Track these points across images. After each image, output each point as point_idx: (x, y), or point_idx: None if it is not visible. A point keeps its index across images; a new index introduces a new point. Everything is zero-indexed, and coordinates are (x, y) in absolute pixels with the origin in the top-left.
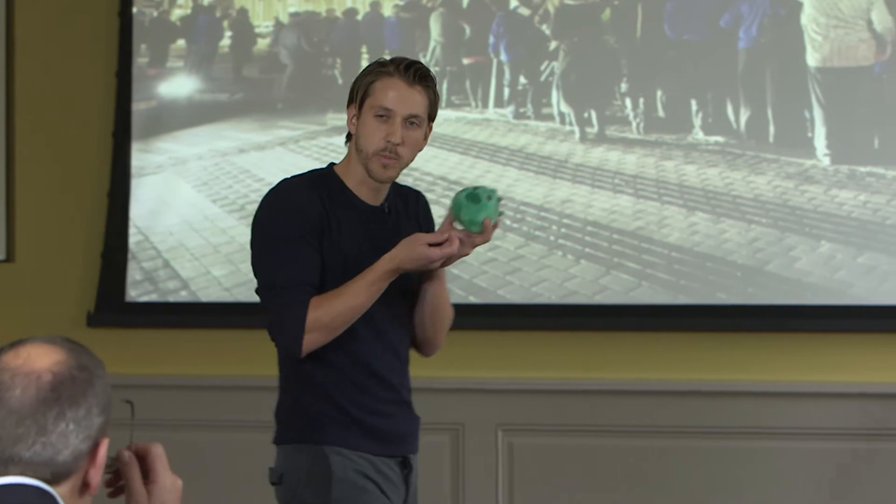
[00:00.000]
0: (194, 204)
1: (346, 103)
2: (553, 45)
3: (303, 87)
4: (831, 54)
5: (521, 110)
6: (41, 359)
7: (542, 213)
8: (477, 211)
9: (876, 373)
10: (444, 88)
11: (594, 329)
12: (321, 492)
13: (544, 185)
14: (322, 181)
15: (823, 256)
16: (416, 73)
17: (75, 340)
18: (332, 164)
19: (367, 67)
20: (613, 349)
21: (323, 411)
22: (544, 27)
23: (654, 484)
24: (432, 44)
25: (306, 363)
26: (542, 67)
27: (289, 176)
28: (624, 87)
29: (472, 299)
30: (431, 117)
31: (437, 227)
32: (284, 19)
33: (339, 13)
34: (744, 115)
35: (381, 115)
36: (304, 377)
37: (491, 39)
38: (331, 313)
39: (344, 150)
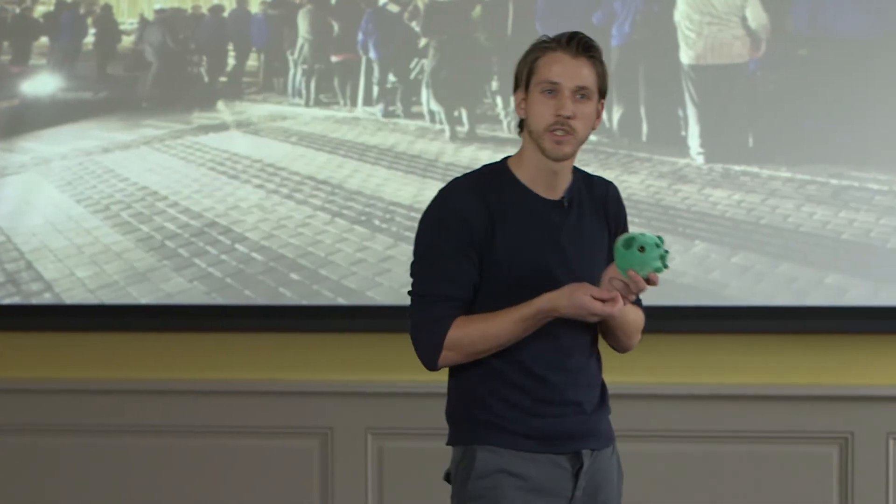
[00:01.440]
0: (58, 204)
1: (211, 101)
2: (423, 42)
3: (168, 85)
4: (705, 51)
5: (391, 109)
6: None
7: (412, 214)
8: (626, 260)
9: (751, 374)
10: (311, 87)
11: None
12: (463, 487)
13: (414, 184)
14: (491, 180)
15: (697, 256)
16: (580, 44)
17: None
18: (505, 159)
19: (530, 47)
20: None
21: (476, 411)
22: (414, 24)
23: None
24: (300, 41)
25: (462, 365)
26: (412, 65)
27: (459, 175)
28: (495, 85)
29: (341, 301)
30: (602, 92)
31: (622, 223)
32: (150, 16)
33: (204, 10)
34: (616, 114)
35: (549, 90)
36: (460, 378)
37: (360, 36)
38: (472, 338)
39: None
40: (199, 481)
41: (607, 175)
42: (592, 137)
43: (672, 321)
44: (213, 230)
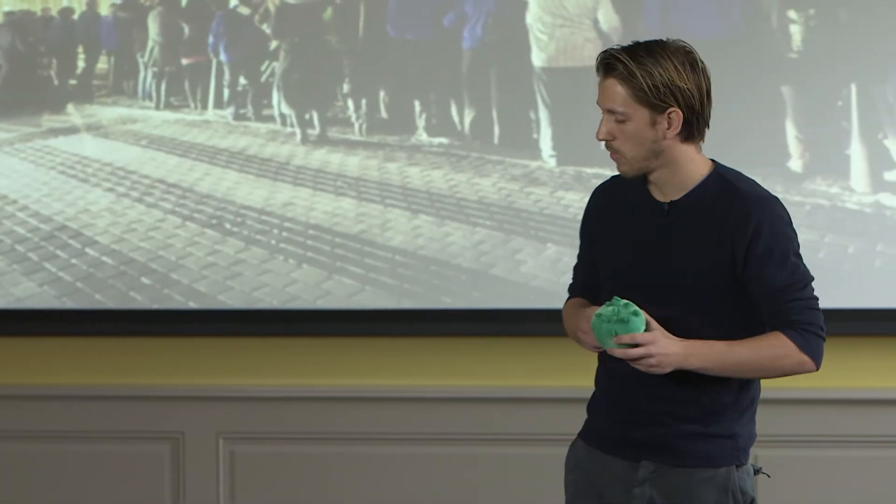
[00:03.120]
0: None
1: (61, 104)
2: (274, 44)
3: (17, 87)
4: (557, 54)
5: (242, 111)
6: None
7: (264, 217)
8: (598, 334)
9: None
10: (162, 89)
11: (316, 335)
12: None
13: (265, 187)
14: (627, 181)
15: (550, 259)
16: (602, 65)
17: None
18: None
19: None
20: (335, 354)
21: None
22: (265, 26)
23: (382, 490)
24: (150, 43)
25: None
26: (263, 67)
27: None
28: (346, 87)
29: (192, 304)
30: (654, 102)
31: (751, 247)
32: None
33: (54, 12)
34: (468, 116)
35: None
36: None
37: (210, 39)
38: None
39: None
40: (47, 486)
41: (457, 178)
42: (444, 140)
43: (523, 324)
44: (63, 234)
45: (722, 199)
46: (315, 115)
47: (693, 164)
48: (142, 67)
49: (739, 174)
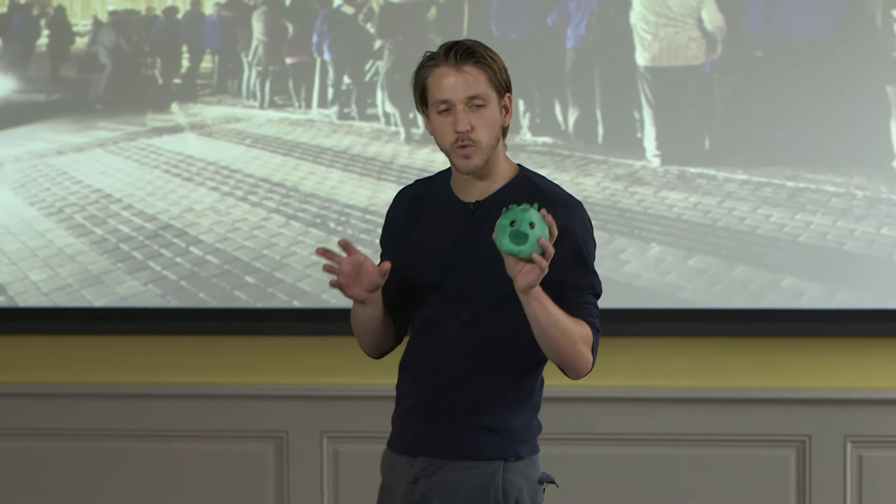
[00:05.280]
0: (11, 207)
1: (165, 103)
2: (377, 44)
3: (122, 87)
4: (661, 53)
5: (345, 110)
6: None
7: (367, 216)
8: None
9: (706, 377)
10: (266, 89)
11: None
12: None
13: (369, 187)
14: (430, 183)
15: (653, 259)
16: (459, 53)
17: None
18: None
19: (417, 66)
20: None
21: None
22: (368, 26)
23: None
24: (254, 43)
25: None
26: (367, 67)
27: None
28: None
29: (296, 303)
30: (502, 88)
31: (559, 250)
32: (103, 17)
33: (158, 11)
34: (572, 116)
35: (444, 109)
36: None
37: (314, 38)
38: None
39: None
40: (152, 485)
41: (561, 178)
42: (548, 140)
43: (627, 324)
44: (167, 233)
45: (526, 200)
46: (419, 115)
47: (505, 162)
48: (246, 66)
49: (544, 178)
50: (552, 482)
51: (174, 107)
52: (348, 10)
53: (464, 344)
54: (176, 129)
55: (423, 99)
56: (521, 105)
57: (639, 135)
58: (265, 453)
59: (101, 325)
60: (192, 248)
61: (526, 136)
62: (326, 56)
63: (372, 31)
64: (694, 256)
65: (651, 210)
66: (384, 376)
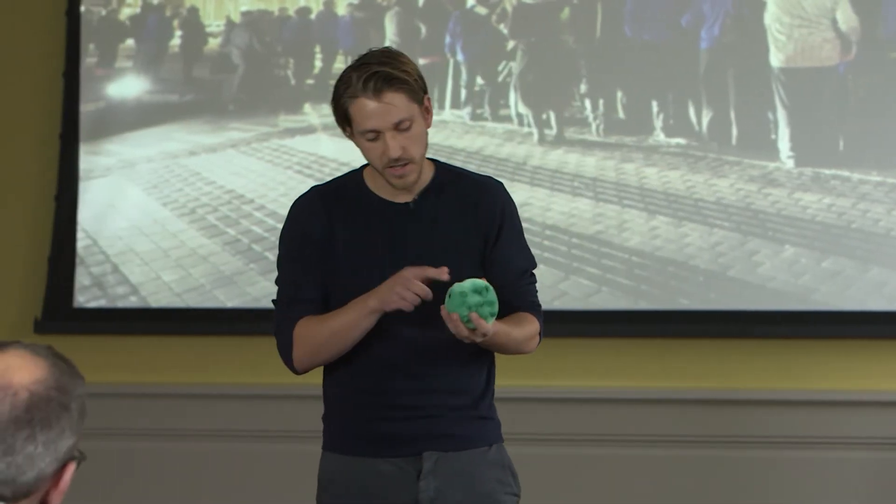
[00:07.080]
0: (143, 207)
1: (298, 103)
2: (510, 44)
3: (255, 87)
4: (795, 54)
5: (478, 111)
6: (21, 373)
7: None
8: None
9: (839, 380)
10: None
11: (553, 336)
12: (318, 496)
13: None
14: (340, 189)
15: (787, 261)
16: (377, 84)
17: (59, 353)
18: (364, 166)
19: (335, 90)
20: (571, 355)
21: (329, 418)
22: (501, 26)
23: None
24: (387, 43)
25: (325, 371)
26: (500, 67)
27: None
28: (583, 87)
29: None
30: (421, 96)
31: (501, 228)
32: (236, 18)
33: (291, 12)
34: (706, 117)
35: (371, 138)
36: (325, 384)
37: (447, 39)
38: (315, 337)
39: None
40: (264, 484)
41: (695, 179)
42: (682, 141)
43: (761, 326)
44: None
45: (460, 188)
46: (552, 116)
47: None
48: None
49: (458, 166)
50: None
51: (307, 107)
52: (481, 10)
53: (437, 338)
54: (309, 130)
55: (345, 117)
56: (654, 106)
57: (773, 136)
58: None
59: (234, 326)
60: None
61: (659, 137)
62: (459, 57)
63: (505, 31)
64: (828, 258)
65: (785, 212)
66: (519, 378)
